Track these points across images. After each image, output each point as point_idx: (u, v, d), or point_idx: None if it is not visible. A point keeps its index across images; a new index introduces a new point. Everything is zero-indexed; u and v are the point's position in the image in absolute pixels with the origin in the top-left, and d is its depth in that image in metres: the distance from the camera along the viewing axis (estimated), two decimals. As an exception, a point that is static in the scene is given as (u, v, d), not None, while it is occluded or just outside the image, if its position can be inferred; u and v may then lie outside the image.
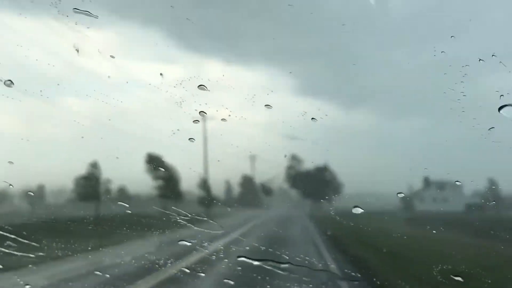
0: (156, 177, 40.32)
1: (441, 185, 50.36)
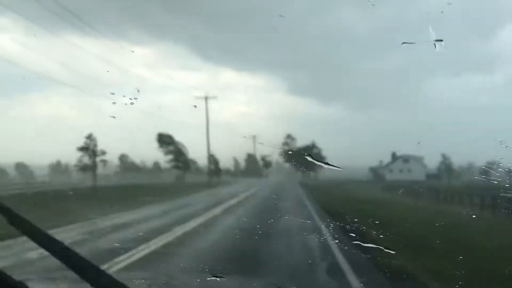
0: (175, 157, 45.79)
1: (406, 159, 60.16)
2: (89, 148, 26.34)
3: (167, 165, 37.22)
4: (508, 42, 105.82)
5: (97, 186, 25.47)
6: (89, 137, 27.60)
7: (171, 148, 36.13)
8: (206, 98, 36.31)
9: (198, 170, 47.14)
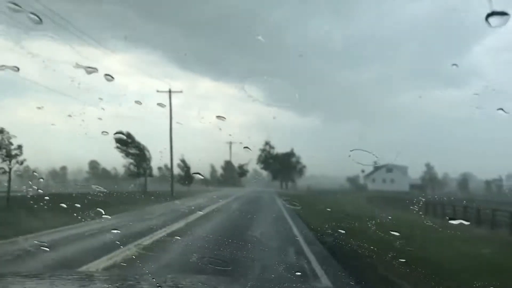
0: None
1: (390, 168, 58.36)
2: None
3: (125, 170, 33.98)
4: (481, 58, 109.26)
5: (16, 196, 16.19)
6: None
7: (131, 150, 32.38)
8: (169, 92, 32.46)
9: (165, 177, 44.15)
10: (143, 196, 22.82)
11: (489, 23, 1.80)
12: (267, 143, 63.67)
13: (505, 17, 1.84)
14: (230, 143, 64.51)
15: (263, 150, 64.03)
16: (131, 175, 32.75)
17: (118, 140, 30.42)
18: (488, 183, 62.75)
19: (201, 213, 14.13)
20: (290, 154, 62.73)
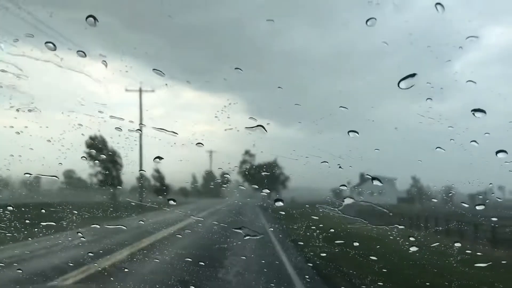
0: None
1: (378, 180, 56.86)
2: None
3: (93, 179, 30.99)
4: (461, 72, 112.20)
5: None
6: None
7: (102, 157, 29.55)
8: (140, 91, 30.35)
9: (143, 187, 41.86)
10: (101, 209, 20.54)
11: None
12: (247, 152, 61.14)
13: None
14: (211, 152, 62.24)
15: (243, 161, 61.44)
16: (100, 184, 29.84)
17: (89, 145, 27.58)
18: (472, 196, 61.49)
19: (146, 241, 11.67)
20: (273, 165, 60.14)
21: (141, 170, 28.66)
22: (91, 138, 31.92)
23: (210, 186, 62.65)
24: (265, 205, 39.36)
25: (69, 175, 65.15)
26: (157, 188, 40.57)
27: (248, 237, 10.48)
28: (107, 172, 29.05)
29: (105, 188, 30.35)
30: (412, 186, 60.40)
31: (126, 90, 29.11)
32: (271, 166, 61.14)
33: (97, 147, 28.65)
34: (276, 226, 13.83)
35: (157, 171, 42.01)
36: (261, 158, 68.82)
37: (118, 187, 29.13)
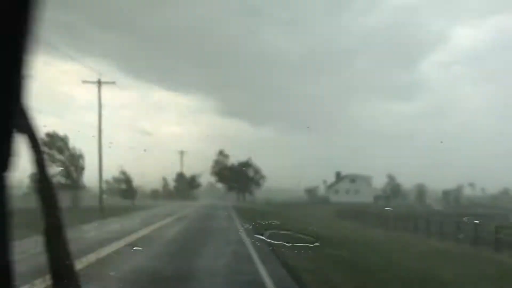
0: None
1: (353, 178, 56.11)
2: None
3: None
4: (426, 73, 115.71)
5: None
6: None
7: (63, 156, 26.68)
8: (99, 83, 25.82)
9: (111, 191, 39.22)
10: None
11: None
12: (221, 153, 59.53)
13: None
14: (182, 152, 60.21)
15: (216, 161, 59.66)
16: (61, 187, 26.46)
17: (46, 142, 24.58)
18: (446, 193, 61.76)
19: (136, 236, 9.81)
20: (247, 164, 58.22)
21: (100, 171, 25.00)
22: (48, 135, 28.49)
23: (182, 188, 60.61)
24: (240, 207, 36.59)
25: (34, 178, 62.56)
26: (124, 191, 38.12)
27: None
28: (67, 175, 26.27)
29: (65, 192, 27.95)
30: (387, 184, 59.77)
31: (83, 81, 26.06)
32: (245, 166, 59.76)
33: (56, 146, 25.93)
34: (253, 236, 10.37)
35: (123, 173, 39.30)
36: (235, 158, 67.57)
37: (78, 190, 27.32)
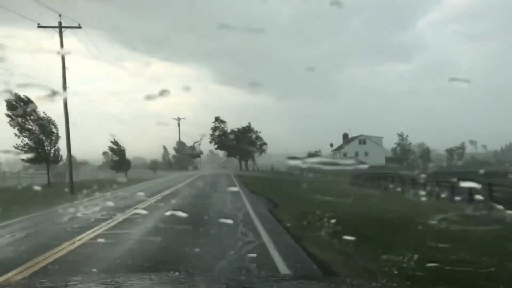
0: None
1: (363, 140, 53.42)
2: None
3: (13, 157, 22.87)
4: (423, 32, 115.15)
5: None
6: None
7: (30, 125, 22.57)
8: (60, 27, 19.73)
9: (107, 164, 37.32)
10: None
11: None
12: (217, 119, 56.67)
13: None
14: (178, 119, 57.42)
15: (215, 128, 56.81)
16: (28, 161, 23.53)
17: (10, 107, 20.79)
18: (449, 152, 58.95)
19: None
20: (248, 129, 56.48)
21: (68, 140, 19.10)
22: (18, 98, 24.74)
23: (183, 157, 58.72)
24: (244, 176, 33.71)
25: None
26: (117, 163, 35.43)
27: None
28: (38, 146, 22.37)
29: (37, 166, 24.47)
30: (397, 144, 56.68)
31: (38, 26, 20.03)
32: (246, 131, 57.10)
33: (23, 110, 21.29)
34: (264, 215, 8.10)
35: (116, 143, 36.43)
36: (234, 123, 65.41)
37: (54, 163, 23.64)
